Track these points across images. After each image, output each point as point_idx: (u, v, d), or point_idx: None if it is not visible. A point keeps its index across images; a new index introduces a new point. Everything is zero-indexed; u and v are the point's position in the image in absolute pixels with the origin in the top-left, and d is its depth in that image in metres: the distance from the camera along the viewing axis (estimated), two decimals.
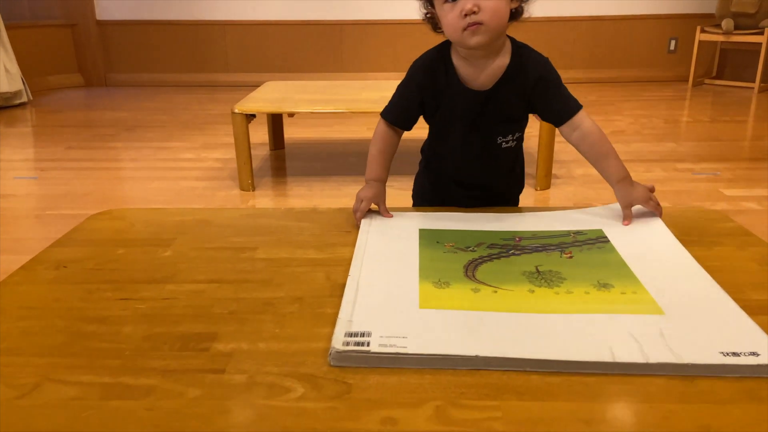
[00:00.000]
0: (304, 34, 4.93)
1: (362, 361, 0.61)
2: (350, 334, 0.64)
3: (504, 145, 1.05)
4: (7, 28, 4.34)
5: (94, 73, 5.08)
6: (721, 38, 4.64)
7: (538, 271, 0.79)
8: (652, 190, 0.97)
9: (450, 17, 0.93)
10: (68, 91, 4.94)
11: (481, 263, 0.81)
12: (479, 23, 0.92)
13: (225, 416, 0.55)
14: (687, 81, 4.88)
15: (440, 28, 0.98)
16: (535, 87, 1.00)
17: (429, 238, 0.89)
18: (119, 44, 5.02)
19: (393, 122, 1.05)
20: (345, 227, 0.97)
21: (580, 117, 1.00)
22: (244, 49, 5.00)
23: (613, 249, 0.85)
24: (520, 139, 1.08)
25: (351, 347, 0.62)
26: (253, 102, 2.66)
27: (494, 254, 0.84)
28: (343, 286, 0.75)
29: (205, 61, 5.03)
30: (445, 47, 1.01)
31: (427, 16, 1.01)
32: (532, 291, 0.74)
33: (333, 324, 0.67)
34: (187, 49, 5.01)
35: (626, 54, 5.07)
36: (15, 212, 2.38)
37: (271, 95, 2.85)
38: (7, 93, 4.24)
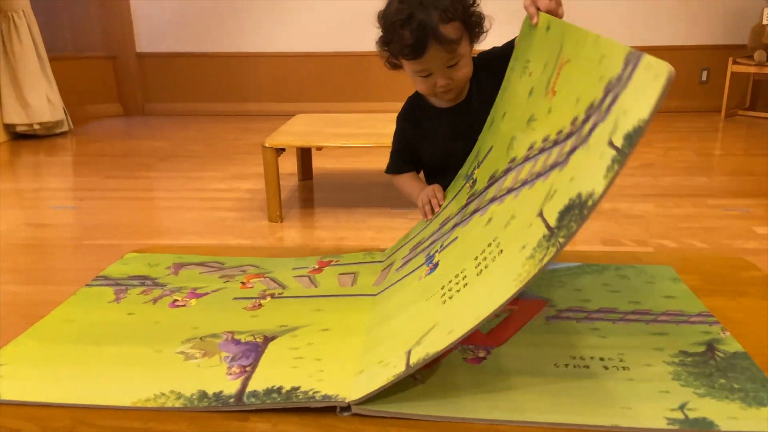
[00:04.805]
0: (331, 65, 5.04)
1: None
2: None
3: None
4: (51, 59, 4.51)
5: (133, 102, 5.23)
6: (753, 69, 4.58)
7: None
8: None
9: (422, 86, 1.01)
10: (108, 120, 5.09)
11: None
12: (451, 89, 1.00)
13: None
14: (719, 112, 4.82)
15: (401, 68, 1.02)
16: (484, 60, 1.04)
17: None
18: (157, 75, 5.18)
19: (400, 173, 1.18)
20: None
21: None
22: (276, 80, 5.11)
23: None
24: None
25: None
26: (282, 136, 2.71)
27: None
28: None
29: (238, 90, 5.15)
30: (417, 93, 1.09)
31: (390, 61, 1.03)
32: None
33: None
34: (221, 80, 5.14)
35: None
36: (52, 242, 2.46)
37: (300, 129, 2.90)
38: (49, 122, 4.39)
